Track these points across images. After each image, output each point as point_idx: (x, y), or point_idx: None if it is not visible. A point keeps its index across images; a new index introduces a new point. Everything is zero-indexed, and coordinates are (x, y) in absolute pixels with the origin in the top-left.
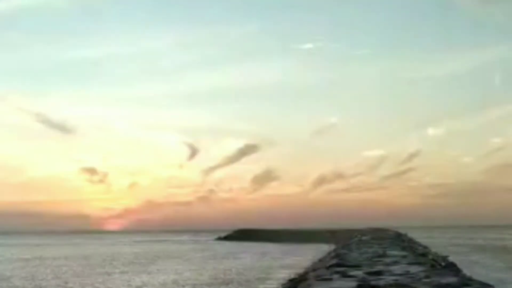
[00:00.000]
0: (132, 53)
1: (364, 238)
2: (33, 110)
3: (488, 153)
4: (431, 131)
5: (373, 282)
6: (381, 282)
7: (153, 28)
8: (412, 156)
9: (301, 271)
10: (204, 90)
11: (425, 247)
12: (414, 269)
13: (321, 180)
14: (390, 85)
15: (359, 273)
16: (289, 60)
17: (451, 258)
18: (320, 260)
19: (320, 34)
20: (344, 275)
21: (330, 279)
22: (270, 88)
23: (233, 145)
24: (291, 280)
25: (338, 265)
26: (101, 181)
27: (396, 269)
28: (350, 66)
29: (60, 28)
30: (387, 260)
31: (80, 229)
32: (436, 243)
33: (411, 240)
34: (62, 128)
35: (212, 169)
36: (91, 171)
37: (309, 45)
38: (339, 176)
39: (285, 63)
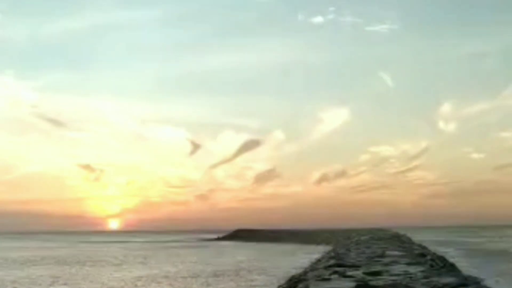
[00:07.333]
0: (120, 28)
1: (363, 238)
2: (23, 102)
3: (502, 149)
4: (442, 125)
5: (372, 282)
6: (380, 282)
7: None
8: (420, 152)
9: (300, 271)
10: (201, 75)
11: (424, 247)
12: (413, 269)
13: (324, 179)
14: (409, 69)
15: (358, 273)
16: (294, 37)
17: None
18: (319, 260)
19: (332, 4)
20: (343, 275)
21: (329, 279)
22: (272, 73)
23: (235, 140)
24: (289, 280)
25: (336, 265)
26: (96, 179)
27: (395, 269)
28: (366, 45)
29: (40, 2)
30: (386, 260)
31: (74, 230)
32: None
33: (410, 240)
34: (55, 122)
35: (213, 166)
36: (86, 168)
37: (318, 19)
38: (343, 174)
39: (290, 41)
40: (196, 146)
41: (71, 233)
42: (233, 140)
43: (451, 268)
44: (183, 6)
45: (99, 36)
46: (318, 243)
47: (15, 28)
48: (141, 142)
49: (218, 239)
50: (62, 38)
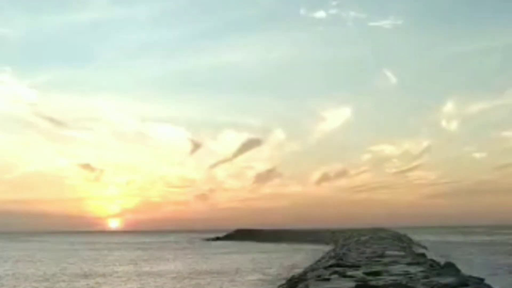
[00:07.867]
0: (120, 26)
1: (363, 238)
2: (21, 100)
3: (504, 149)
4: (444, 123)
5: (372, 282)
6: (380, 282)
7: None
8: (422, 151)
9: (300, 271)
10: (201, 73)
11: (424, 247)
12: (413, 269)
13: (325, 178)
14: (412, 66)
15: (358, 273)
16: (296, 33)
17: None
18: (319, 260)
19: None
20: (343, 275)
21: (329, 279)
22: (272, 71)
23: (235, 139)
24: (289, 280)
25: (337, 265)
26: (96, 178)
27: (395, 269)
28: (369, 41)
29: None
30: (386, 260)
31: (74, 230)
32: None
33: (410, 240)
34: (54, 120)
35: (213, 166)
36: (86, 167)
37: (321, 14)
38: (344, 174)
39: (291, 37)
40: (196, 145)
41: (71, 233)
42: (233, 139)
43: (451, 268)
44: (183, 3)
45: (99, 34)
46: (318, 243)
47: (13, 25)
48: (141, 141)
49: (218, 239)
50: (61, 35)
